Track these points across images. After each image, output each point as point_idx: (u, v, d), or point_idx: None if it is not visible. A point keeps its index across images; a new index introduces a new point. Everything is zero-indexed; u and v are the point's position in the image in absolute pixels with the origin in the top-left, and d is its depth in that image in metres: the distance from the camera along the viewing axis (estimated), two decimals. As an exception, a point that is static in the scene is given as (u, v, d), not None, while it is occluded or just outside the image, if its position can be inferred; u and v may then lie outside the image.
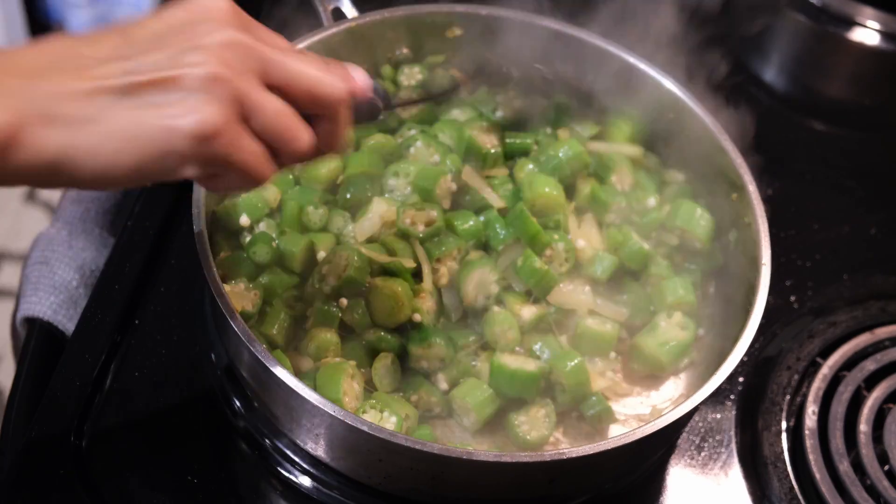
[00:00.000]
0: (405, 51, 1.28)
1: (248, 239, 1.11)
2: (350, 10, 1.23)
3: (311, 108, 0.82)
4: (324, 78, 0.82)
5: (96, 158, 0.73)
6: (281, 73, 0.79)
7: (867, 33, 1.47)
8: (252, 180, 0.80)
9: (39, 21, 2.99)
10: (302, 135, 0.81)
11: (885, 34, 1.47)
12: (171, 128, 0.73)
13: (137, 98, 0.73)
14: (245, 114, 0.77)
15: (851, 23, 1.48)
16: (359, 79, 0.88)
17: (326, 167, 1.16)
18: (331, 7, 1.23)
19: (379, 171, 1.17)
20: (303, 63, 0.81)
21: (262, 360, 0.92)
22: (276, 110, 0.79)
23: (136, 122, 0.73)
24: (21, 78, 0.72)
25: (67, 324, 1.16)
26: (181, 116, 0.73)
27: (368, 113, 0.90)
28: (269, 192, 1.14)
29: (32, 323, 1.17)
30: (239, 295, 1.06)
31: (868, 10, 1.47)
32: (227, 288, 1.00)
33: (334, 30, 1.20)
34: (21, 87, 0.72)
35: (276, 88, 0.79)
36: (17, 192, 2.69)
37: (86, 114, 0.72)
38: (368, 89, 0.89)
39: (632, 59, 1.23)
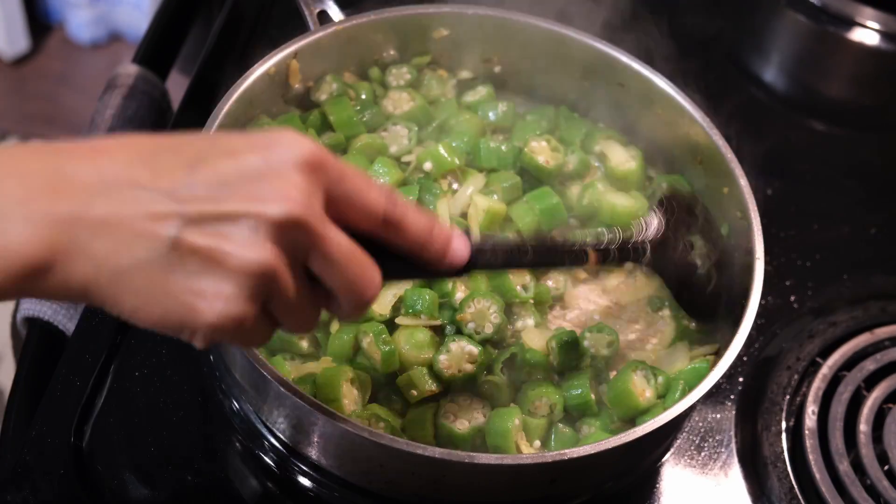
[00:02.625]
0: (392, 52, 1.28)
1: None
2: (336, 13, 1.23)
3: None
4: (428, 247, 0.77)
5: (117, 305, 0.68)
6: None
7: (867, 33, 1.47)
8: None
9: (39, 21, 2.99)
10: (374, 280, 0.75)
11: (885, 34, 1.47)
12: (193, 311, 0.68)
13: (174, 258, 0.66)
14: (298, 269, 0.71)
15: (851, 23, 1.48)
16: (458, 249, 0.80)
17: None
18: (317, 10, 1.22)
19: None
20: (404, 225, 0.76)
21: (260, 369, 0.92)
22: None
23: (161, 288, 0.67)
24: (69, 199, 0.66)
25: (67, 324, 1.16)
26: (207, 304, 0.68)
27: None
28: None
29: (32, 323, 1.17)
30: None
31: (868, 10, 1.48)
32: None
33: (321, 33, 1.20)
34: (65, 213, 0.66)
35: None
36: (17, 192, 2.69)
37: (118, 258, 0.66)
38: (465, 256, 0.80)
39: (624, 59, 1.23)
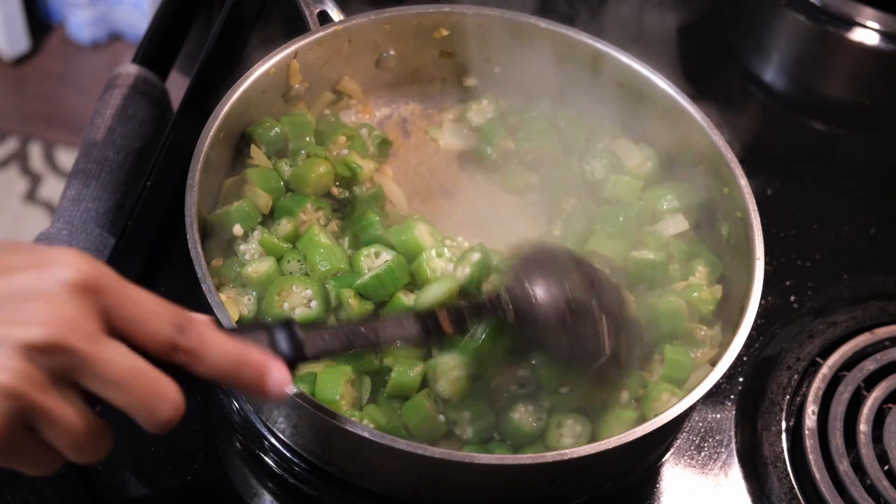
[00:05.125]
0: (392, 52, 1.28)
1: (241, 246, 1.11)
2: (336, 14, 1.23)
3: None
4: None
5: None
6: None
7: (867, 33, 1.47)
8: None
9: (40, 21, 2.99)
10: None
11: (885, 34, 1.47)
12: None
13: None
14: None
15: (851, 23, 1.48)
16: (276, 380, 0.75)
17: (316, 172, 1.15)
18: (317, 10, 1.22)
19: None
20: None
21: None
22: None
23: None
24: None
25: (67, 324, 1.16)
26: None
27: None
28: (261, 200, 1.13)
29: (32, 323, 1.17)
30: (234, 301, 1.06)
31: (868, 10, 1.48)
32: (222, 297, 0.99)
33: (321, 33, 1.20)
34: None
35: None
36: (17, 192, 2.69)
37: None
38: (285, 383, 0.75)
39: (625, 59, 1.23)
